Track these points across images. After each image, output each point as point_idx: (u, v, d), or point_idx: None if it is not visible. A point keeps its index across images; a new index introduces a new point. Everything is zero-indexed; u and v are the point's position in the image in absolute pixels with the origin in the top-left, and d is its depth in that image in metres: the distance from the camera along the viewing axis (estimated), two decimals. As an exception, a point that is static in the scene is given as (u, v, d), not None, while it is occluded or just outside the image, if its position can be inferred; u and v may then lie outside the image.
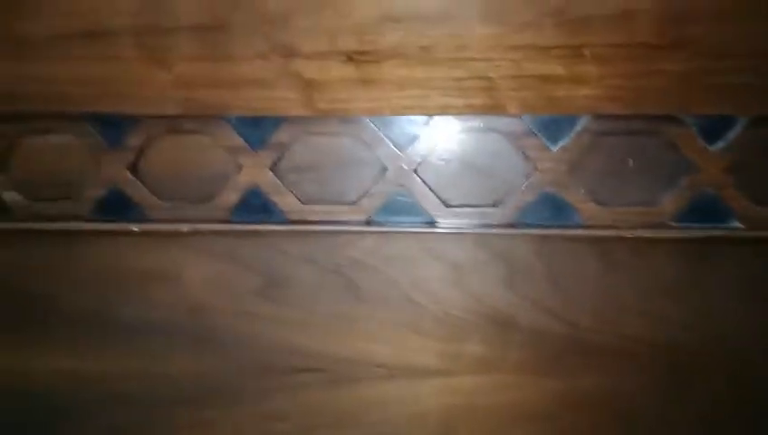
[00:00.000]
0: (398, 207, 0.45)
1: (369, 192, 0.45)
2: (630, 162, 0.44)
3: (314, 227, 0.46)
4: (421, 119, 0.44)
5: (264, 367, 0.47)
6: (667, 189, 0.44)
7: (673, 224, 0.44)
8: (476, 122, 0.44)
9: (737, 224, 0.44)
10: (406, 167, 0.45)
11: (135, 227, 0.46)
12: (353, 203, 0.45)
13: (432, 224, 0.45)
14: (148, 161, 0.46)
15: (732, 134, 0.43)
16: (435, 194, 0.45)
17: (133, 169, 0.46)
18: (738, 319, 0.45)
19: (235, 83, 0.43)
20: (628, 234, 0.44)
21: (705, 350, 0.45)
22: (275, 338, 0.47)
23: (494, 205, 0.45)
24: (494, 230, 0.45)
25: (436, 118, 0.44)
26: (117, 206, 0.46)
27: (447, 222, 0.45)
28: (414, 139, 0.45)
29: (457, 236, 0.46)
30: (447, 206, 0.45)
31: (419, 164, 0.45)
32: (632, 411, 0.46)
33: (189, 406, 0.48)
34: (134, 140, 0.45)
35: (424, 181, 0.45)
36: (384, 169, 0.45)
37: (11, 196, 0.46)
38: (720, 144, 0.43)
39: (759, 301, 0.45)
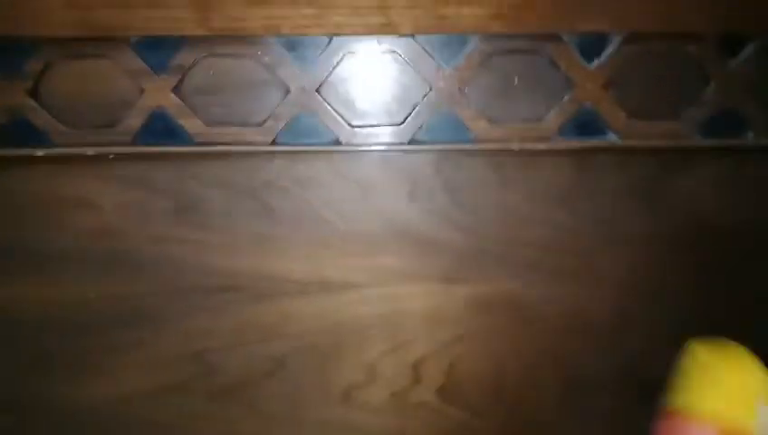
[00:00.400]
0: (303, 127, 0.47)
1: (274, 113, 0.47)
2: (516, 80, 0.47)
3: (222, 149, 0.47)
4: (322, 40, 0.46)
5: (185, 288, 0.49)
6: (552, 106, 0.47)
7: (558, 138, 0.48)
8: (375, 43, 0.46)
9: (613, 136, 0.48)
10: (308, 87, 0.47)
11: (40, 152, 0.46)
12: (259, 125, 0.47)
13: (337, 143, 0.47)
14: (48, 87, 0.46)
15: (608, 51, 0.46)
16: (338, 114, 0.47)
17: (34, 94, 0.46)
18: (623, 222, 0.49)
19: (131, 3, 0.43)
20: (516, 147, 0.48)
21: (597, 251, 0.50)
22: (194, 260, 0.49)
23: (394, 124, 0.47)
24: (395, 148, 0.48)
25: (336, 39, 0.46)
26: (20, 132, 0.46)
27: (351, 141, 0.47)
28: (315, 59, 0.46)
29: (361, 154, 0.48)
30: (351, 126, 0.47)
31: (321, 84, 0.47)
32: (534, 312, 0.51)
33: (113, 330, 0.49)
34: (33, 65, 0.45)
35: (327, 101, 0.47)
36: (287, 91, 0.46)
37: None
38: (597, 61, 0.47)
39: (638, 205, 0.49)
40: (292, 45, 0.46)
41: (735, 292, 0.51)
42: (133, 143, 0.47)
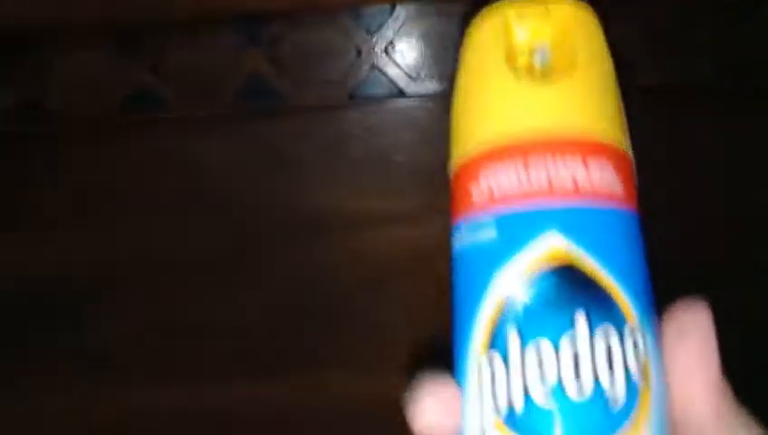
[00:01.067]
0: (373, 83, 0.56)
1: (349, 72, 0.56)
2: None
3: (308, 104, 0.57)
4: (386, 8, 0.55)
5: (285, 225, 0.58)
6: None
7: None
8: (431, 9, 0.55)
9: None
10: (377, 49, 0.56)
11: (161, 115, 0.56)
12: (337, 83, 0.56)
13: (402, 95, 0.56)
14: (164, 62, 0.56)
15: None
16: (402, 70, 0.56)
17: (153, 69, 0.56)
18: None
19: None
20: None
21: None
22: (288, 201, 0.58)
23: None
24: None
25: (399, 6, 0.55)
26: (143, 100, 0.56)
27: (414, 92, 0.56)
28: (381, 25, 0.55)
29: (423, 102, 0.57)
30: (413, 79, 0.56)
31: (387, 46, 0.56)
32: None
33: (224, 267, 0.59)
34: (152, 45, 0.55)
35: (393, 60, 0.56)
36: (359, 52, 0.56)
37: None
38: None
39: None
40: (361, 14, 0.55)
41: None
42: (234, 104, 0.56)
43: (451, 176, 0.22)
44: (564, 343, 0.16)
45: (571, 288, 0.17)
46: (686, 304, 0.18)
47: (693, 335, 0.17)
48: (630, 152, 0.21)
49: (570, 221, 0.18)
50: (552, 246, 0.18)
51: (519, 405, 0.16)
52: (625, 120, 0.21)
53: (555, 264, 0.17)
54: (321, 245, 0.58)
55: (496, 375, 0.17)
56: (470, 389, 0.18)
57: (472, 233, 0.19)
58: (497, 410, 0.17)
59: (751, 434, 0.17)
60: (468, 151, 0.21)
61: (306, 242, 0.58)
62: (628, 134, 0.21)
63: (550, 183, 0.18)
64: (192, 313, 0.58)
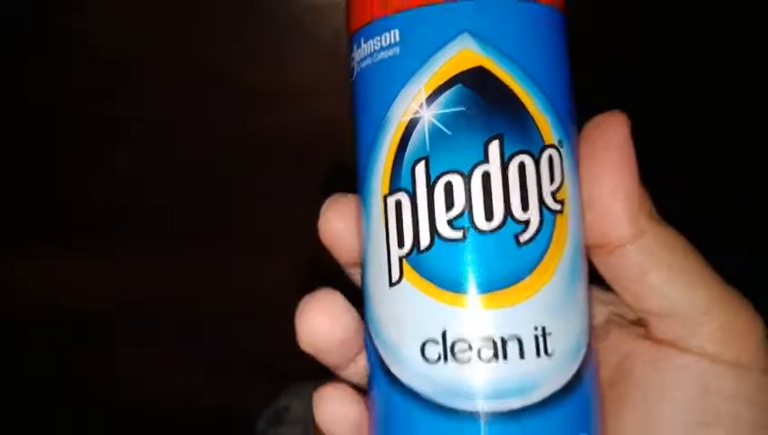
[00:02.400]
0: None
1: None
2: None
3: None
4: None
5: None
6: None
7: None
8: None
9: None
10: None
11: None
12: None
13: None
14: None
15: None
16: None
17: None
18: None
19: None
20: None
21: None
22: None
23: None
24: None
25: None
26: None
27: None
28: None
29: None
30: None
31: None
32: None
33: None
34: None
35: None
36: None
37: None
38: None
39: None
40: None
41: None
42: None
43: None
44: (475, 174, 0.14)
45: (485, 106, 0.14)
46: (603, 116, 0.16)
47: (609, 146, 0.16)
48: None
49: (484, 19, 0.15)
50: (463, 52, 0.15)
51: (425, 242, 0.15)
52: None
53: (466, 77, 0.15)
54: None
55: (402, 214, 0.15)
56: (374, 229, 0.16)
57: (370, 42, 0.16)
58: (402, 248, 0.15)
59: (666, 239, 0.16)
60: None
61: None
62: None
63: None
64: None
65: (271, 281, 0.57)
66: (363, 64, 0.16)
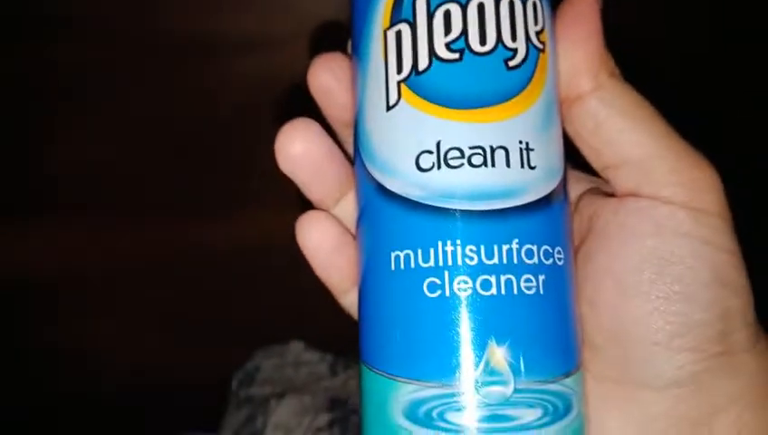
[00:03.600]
0: None
1: None
2: None
3: None
4: None
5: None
6: None
7: None
8: None
9: None
10: None
11: None
12: None
13: None
14: None
15: None
16: None
17: None
18: None
19: None
20: None
21: None
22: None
23: None
24: None
25: None
26: None
27: None
28: None
29: None
30: None
31: None
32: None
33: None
34: None
35: None
36: None
37: None
38: None
39: None
40: None
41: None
42: None
43: None
44: (471, 4, 0.16)
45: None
46: None
47: (582, 15, 0.17)
48: None
49: None
50: None
51: (423, 64, 0.16)
52: None
53: None
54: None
55: (402, 42, 0.16)
56: (372, 64, 0.17)
57: None
58: (401, 73, 0.16)
59: (623, 92, 0.17)
60: None
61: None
62: None
63: None
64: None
65: (234, 244, 0.57)
66: None
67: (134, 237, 0.56)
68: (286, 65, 0.55)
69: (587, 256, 0.18)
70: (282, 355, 0.59)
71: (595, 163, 0.18)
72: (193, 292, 0.58)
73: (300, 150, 0.18)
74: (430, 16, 0.16)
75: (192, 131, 0.56)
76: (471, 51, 0.16)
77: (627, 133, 0.17)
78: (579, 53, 0.17)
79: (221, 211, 0.57)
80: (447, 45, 0.16)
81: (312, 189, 0.19)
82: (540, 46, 0.17)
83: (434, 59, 0.16)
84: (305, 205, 0.21)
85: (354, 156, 0.18)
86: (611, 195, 0.18)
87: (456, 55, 0.16)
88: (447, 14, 0.16)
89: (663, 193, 0.17)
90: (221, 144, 0.56)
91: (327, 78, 0.18)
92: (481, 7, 0.16)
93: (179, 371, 0.58)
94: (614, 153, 0.17)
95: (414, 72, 0.16)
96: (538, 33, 0.17)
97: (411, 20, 0.16)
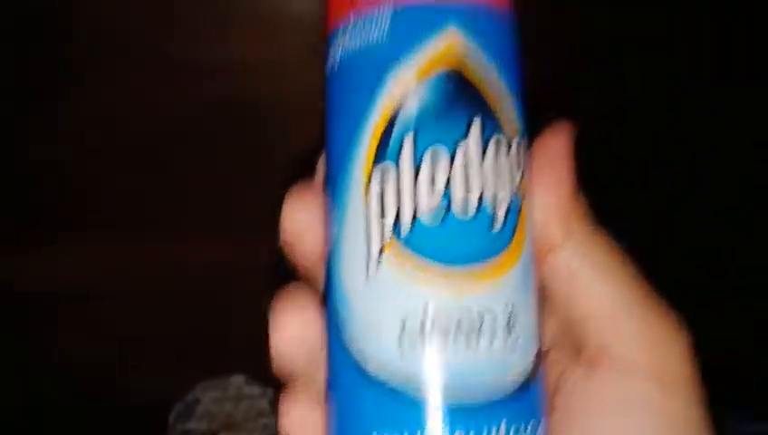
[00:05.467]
0: None
1: None
2: None
3: None
4: None
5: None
6: None
7: None
8: None
9: None
10: None
11: None
12: None
13: None
14: None
15: None
16: None
17: None
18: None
19: None
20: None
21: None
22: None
23: None
24: None
25: None
26: None
27: None
28: None
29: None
30: None
31: None
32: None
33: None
34: None
35: None
36: None
37: None
38: None
39: None
40: None
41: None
42: None
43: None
44: (458, 150, 0.15)
45: (467, 92, 0.16)
46: (554, 128, 0.18)
47: (555, 161, 0.17)
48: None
49: (469, 18, 0.16)
50: (449, 45, 0.16)
51: (408, 215, 0.15)
52: None
53: (453, 63, 0.16)
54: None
55: (386, 188, 0.15)
56: (351, 208, 0.16)
57: (358, 32, 0.17)
58: (384, 222, 0.15)
59: (595, 242, 0.17)
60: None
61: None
62: None
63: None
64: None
65: (205, 267, 0.56)
66: (349, 52, 0.17)
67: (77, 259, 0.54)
68: (259, 89, 0.55)
69: (554, 426, 0.17)
70: (223, 389, 0.57)
71: (564, 314, 0.17)
72: (141, 315, 0.57)
73: (296, 334, 0.17)
74: (417, 161, 0.15)
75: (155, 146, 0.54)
76: (456, 201, 0.15)
77: (597, 285, 0.17)
78: (550, 201, 0.17)
79: (172, 234, 0.56)
80: (432, 199, 0.15)
81: (296, 365, 0.17)
82: (522, 195, 0.16)
83: (418, 213, 0.15)
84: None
85: (326, 313, 0.17)
86: (580, 348, 0.17)
87: (443, 205, 0.15)
88: (434, 163, 0.15)
89: (631, 356, 0.16)
90: (187, 164, 0.55)
91: (303, 218, 0.17)
92: (467, 156, 0.15)
93: (128, 393, 0.57)
94: (584, 305, 0.17)
95: (398, 224, 0.15)
96: (520, 181, 0.16)
97: (396, 163, 0.16)
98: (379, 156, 0.16)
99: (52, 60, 0.51)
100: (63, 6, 0.50)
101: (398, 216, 0.15)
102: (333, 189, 0.17)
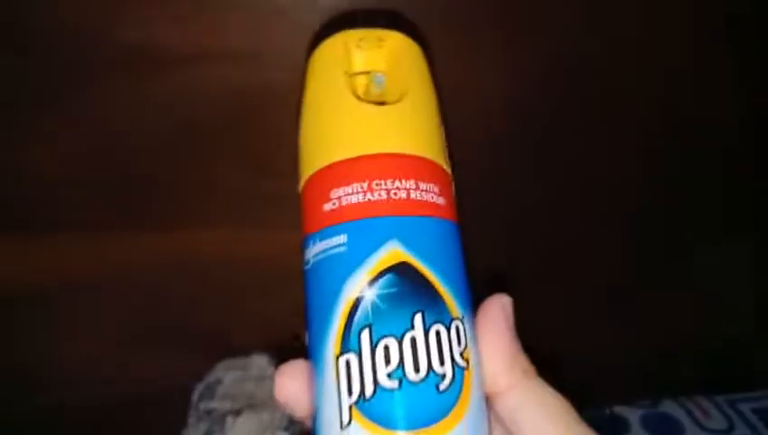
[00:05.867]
0: None
1: None
2: None
3: None
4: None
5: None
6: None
7: None
8: None
9: None
10: None
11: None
12: None
13: None
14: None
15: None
16: None
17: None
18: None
19: None
20: None
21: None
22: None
23: None
24: None
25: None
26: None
27: None
28: None
29: None
30: None
31: None
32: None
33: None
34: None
35: None
36: None
37: None
38: None
39: None
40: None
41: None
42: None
43: (300, 192, 0.24)
44: (406, 339, 0.20)
45: (410, 289, 0.20)
46: (491, 299, 0.23)
47: (493, 325, 0.22)
48: (450, 172, 0.25)
49: (406, 229, 0.21)
50: (392, 251, 0.21)
51: (369, 391, 0.19)
52: (445, 142, 0.25)
53: (396, 268, 0.21)
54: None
55: (351, 370, 0.20)
56: (326, 383, 0.20)
57: (324, 242, 0.21)
58: (351, 397, 0.19)
59: (543, 391, 0.22)
60: (317, 168, 0.23)
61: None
62: (447, 156, 0.25)
63: (389, 199, 0.21)
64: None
65: (210, 254, 0.58)
66: (318, 257, 0.22)
67: (93, 251, 0.56)
68: (245, 78, 0.52)
69: None
70: (245, 368, 0.59)
71: None
72: (157, 305, 0.59)
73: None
74: (372, 349, 0.20)
75: (157, 145, 0.55)
76: (407, 379, 0.19)
77: (539, 425, 0.21)
78: (494, 356, 0.21)
79: (185, 225, 0.58)
80: (388, 375, 0.19)
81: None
82: (464, 365, 0.20)
83: (378, 386, 0.19)
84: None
85: None
86: None
87: (396, 384, 0.19)
88: (387, 348, 0.20)
89: None
90: (189, 157, 0.56)
91: (293, 385, 0.21)
92: (413, 340, 0.20)
93: (145, 383, 0.60)
94: None
95: (362, 398, 0.19)
96: (461, 353, 0.21)
97: (357, 351, 0.20)
98: (344, 346, 0.20)
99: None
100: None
101: (361, 392, 0.19)
102: (314, 363, 0.21)
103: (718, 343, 0.71)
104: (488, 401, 0.21)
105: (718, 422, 0.62)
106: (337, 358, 0.20)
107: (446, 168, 0.24)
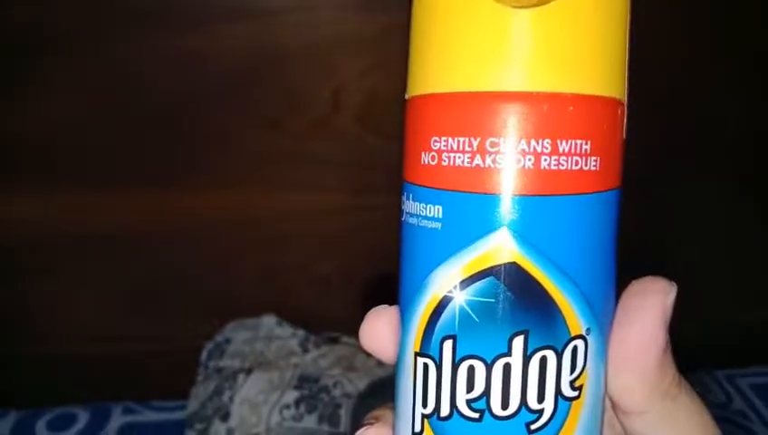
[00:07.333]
0: None
1: None
2: None
3: None
4: None
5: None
6: None
7: None
8: None
9: None
10: None
11: None
12: None
13: None
14: None
15: None
16: None
17: None
18: None
19: None
20: None
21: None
22: None
23: None
24: None
25: None
26: None
27: None
28: None
29: None
30: None
31: None
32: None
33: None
34: None
35: None
36: None
37: None
38: None
39: None
40: None
41: None
42: None
43: (407, 104, 0.18)
44: (497, 365, 0.15)
45: (514, 301, 0.15)
46: (645, 284, 0.16)
47: (641, 328, 0.16)
48: (625, 101, 0.16)
49: (525, 215, 0.15)
50: (499, 246, 0.15)
51: (445, 412, 0.16)
52: (624, 55, 0.16)
53: (499, 271, 0.15)
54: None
55: (428, 378, 0.16)
56: (406, 371, 0.17)
57: (417, 205, 0.16)
58: (425, 408, 0.16)
59: (687, 419, 0.17)
60: (419, 91, 0.16)
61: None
62: (626, 81, 0.16)
63: (507, 167, 0.15)
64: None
65: (210, 218, 0.60)
66: (410, 221, 0.17)
67: (106, 206, 0.59)
68: (274, 36, 0.54)
69: None
70: (254, 329, 0.61)
71: None
72: (166, 263, 0.61)
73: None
74: (455, 367, 0.16)
75: (173, 101, 0.56)
76: (491, 414, 0.16)
77: None
78: (632, 372, 0.16)
79: (196, 184, 0.59)
80: (468, 402, 0.16)
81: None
82: (574, 395, 0.16)
83: (455, 411, 0.16)
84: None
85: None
86: None
87: (477, 415, 0.16)
88: (471, 371, 0.15)
89: None
90: (202, 115, 0.57)
91: (383, 330, 0.18)
92: (507, 369, 0.15)
93: (152, 340, 0.63)
94: None
95: (436, 415, 0.16)
96: (573, 381, 0.16)
97: (437, 362, 0.16)
98: (424, 348, 0.16)
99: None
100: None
101: (436, 409, 0.16)
102: (401, 326, 0.17)
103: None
104: (613, 410, 0.17)
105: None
106: (416, 356, 0.17)
107: (621, 97, 0.16)
